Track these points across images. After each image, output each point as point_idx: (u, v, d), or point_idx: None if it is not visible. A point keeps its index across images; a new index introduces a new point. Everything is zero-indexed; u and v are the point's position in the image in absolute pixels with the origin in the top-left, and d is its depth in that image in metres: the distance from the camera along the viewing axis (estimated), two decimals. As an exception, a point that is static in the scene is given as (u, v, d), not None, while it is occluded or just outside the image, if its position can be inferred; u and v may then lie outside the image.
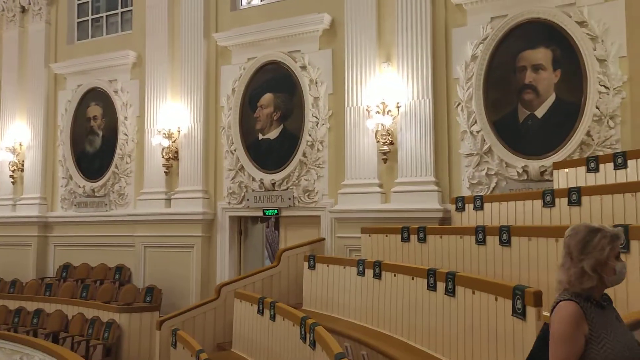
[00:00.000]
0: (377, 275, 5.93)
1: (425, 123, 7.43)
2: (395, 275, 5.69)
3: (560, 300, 2.39)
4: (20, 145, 11.26)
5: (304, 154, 8.37)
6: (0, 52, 11.85)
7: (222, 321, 7.25)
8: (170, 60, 9.64)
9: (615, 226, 4.06)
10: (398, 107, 7.55)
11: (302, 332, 5.02)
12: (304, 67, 8.44)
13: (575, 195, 5.39)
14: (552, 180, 6.46)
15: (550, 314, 2.42)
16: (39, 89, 11.18)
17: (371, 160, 7.73)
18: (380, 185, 7.69)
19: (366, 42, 7.87)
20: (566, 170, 6.30)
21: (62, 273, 10.42)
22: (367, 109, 7.69)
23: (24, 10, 11.47)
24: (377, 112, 7.57)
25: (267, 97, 8.80)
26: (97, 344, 7.94)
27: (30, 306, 9.37)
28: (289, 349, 5.49)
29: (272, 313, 5.90)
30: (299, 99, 8.49)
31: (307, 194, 8.33)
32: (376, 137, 7.59)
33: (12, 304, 9.57)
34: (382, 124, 7.54)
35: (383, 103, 7.56)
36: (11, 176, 11.25)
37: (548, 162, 6.73)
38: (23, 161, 11.25)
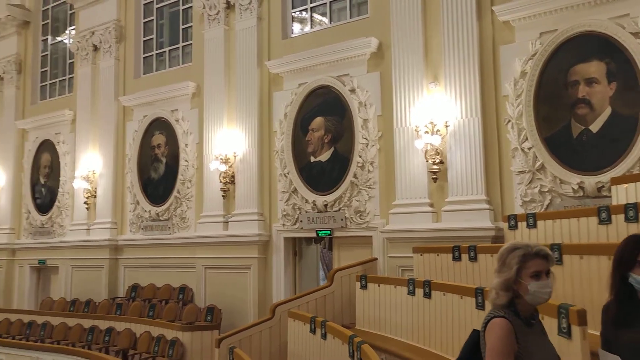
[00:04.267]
0: (427, 295, 5.93)
1: (475, 141, 7.40)
2: (444, 295, 5.67)
3: (494, 317, 2.44)
4: (93, 173, 12.06)
5: (354, 175, 8.51)
6: (76, 88, 12.83)
7: (277, 340, 7.44)
8: (226, 88, 10.11)
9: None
10: (447, 127, 7.57)
11: (350, 350, 5.11)
12: (352, 91, 8.63)
13: (632, 212, 5.20)
14: (611, 196, 6.25)
15: (484, 327, 2.47)
16: (109, 120, 11.98)
17: (421, 179, 7.76)
18: (431, 205, 7.69)
19: (413, 63, 7.97)
20: (625, 185, 6.08)
21: (131, 293, 11.00)
22: (415, 129, 7.76)
23: (95, 48, 12.38)
24: (426, 132, 7.62)
25: (318, 121, 9.05)
26: (162, 361, 8.33)
27: (103, 324, 9.94)
28: (340, 367, 5.57)
29: (323, 332, 6.02)
30: (349, 121, 8.67)
31: (358, 214, 8.44)
32: (425, 157, 7.63)
33: (86, 323, 10.19)
34: (431, 144, 7.58)
35: (431, 123, 7.60)
36: (85, 202, 12.03)
37: (605, 177, 6.53)
38: (96, 188, 12.02)
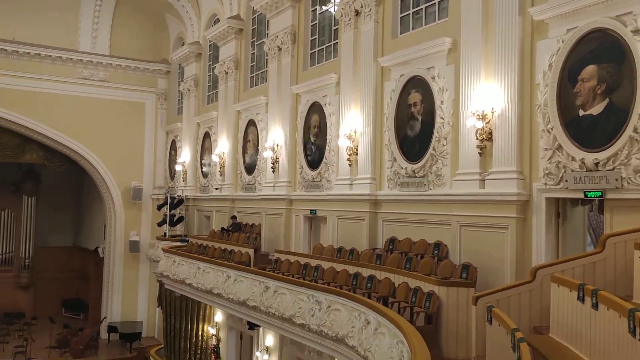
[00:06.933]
0: None
1: None
2: None
3: None
4: (355, 132, 13.04)
5: (635, 130, 7.41)
6: (340, 53, 13.90)
7: (538, 304, 7.12)
8: (484, 41, 9.71)
9: None
10: None
11: (631, 326, 4.60)
12: (636, 31, 7.42)
13: None
14: None
15: None
16: (369, 81, 12.70)
17: None
18: None
19: None
20: None
21: (389, 245, 11.73)
22: None
23: (357, 13, 13.15)
24: None
25: (590, 70, 8.07)
26: (420, 312, 8.74)
27: (365, 272, 10.84)
28: (615, 342, 5.07)
29: (593, 301, 5.53)
30: (629, 68, 7.52)
31: (638, 174, 7.36)
32: None
33: (351, 269, 11.26)
34: None
35: None
36: (348, 159, 13.14)
37: None
38: (357, 146, 13.01)
